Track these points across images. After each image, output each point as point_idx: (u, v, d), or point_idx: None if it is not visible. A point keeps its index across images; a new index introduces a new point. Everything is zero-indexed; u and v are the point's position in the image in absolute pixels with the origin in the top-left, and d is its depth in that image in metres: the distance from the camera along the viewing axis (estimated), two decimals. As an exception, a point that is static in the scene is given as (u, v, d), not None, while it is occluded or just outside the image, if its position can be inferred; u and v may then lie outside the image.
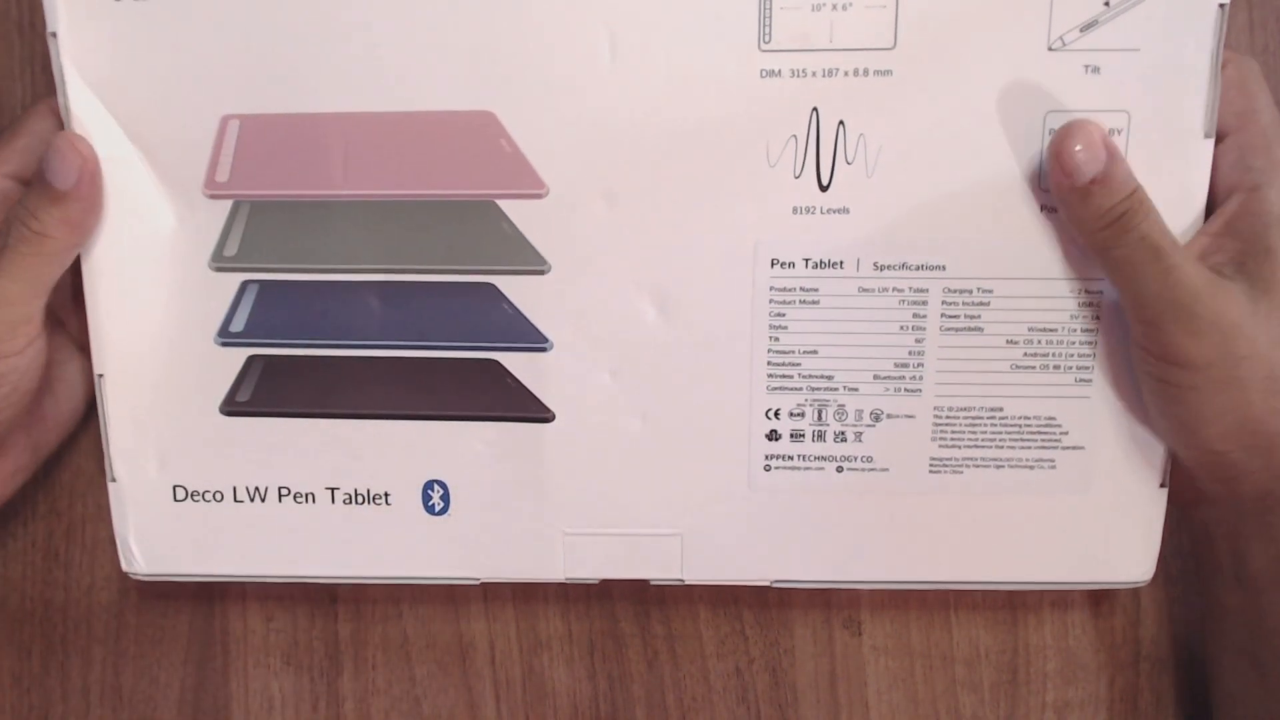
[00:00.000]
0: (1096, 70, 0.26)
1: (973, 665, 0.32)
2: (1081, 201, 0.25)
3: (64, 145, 0.26)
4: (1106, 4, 0.26)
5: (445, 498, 0.29)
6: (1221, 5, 0.26)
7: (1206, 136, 0.26)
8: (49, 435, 0.30)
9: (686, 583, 0.30)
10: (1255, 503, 0.27)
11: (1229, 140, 0.27)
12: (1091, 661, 0.32)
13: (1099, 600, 0.32)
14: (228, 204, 0.28)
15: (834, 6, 0.26)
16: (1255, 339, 0.25)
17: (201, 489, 0.30)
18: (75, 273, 0.28)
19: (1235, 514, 0.27)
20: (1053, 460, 0.29)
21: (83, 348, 0.30)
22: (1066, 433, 0.28)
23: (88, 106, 0.27)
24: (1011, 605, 0.32)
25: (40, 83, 0.32)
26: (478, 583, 0.30)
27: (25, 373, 0.28)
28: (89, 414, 0.31)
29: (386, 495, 0.29)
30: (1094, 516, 0.29)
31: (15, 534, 0.33)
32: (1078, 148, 0.25)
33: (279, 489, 0.30)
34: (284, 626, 0.33)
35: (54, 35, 0.27)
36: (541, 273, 0.28)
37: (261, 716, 0.33)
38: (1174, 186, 0.27)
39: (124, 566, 0.30)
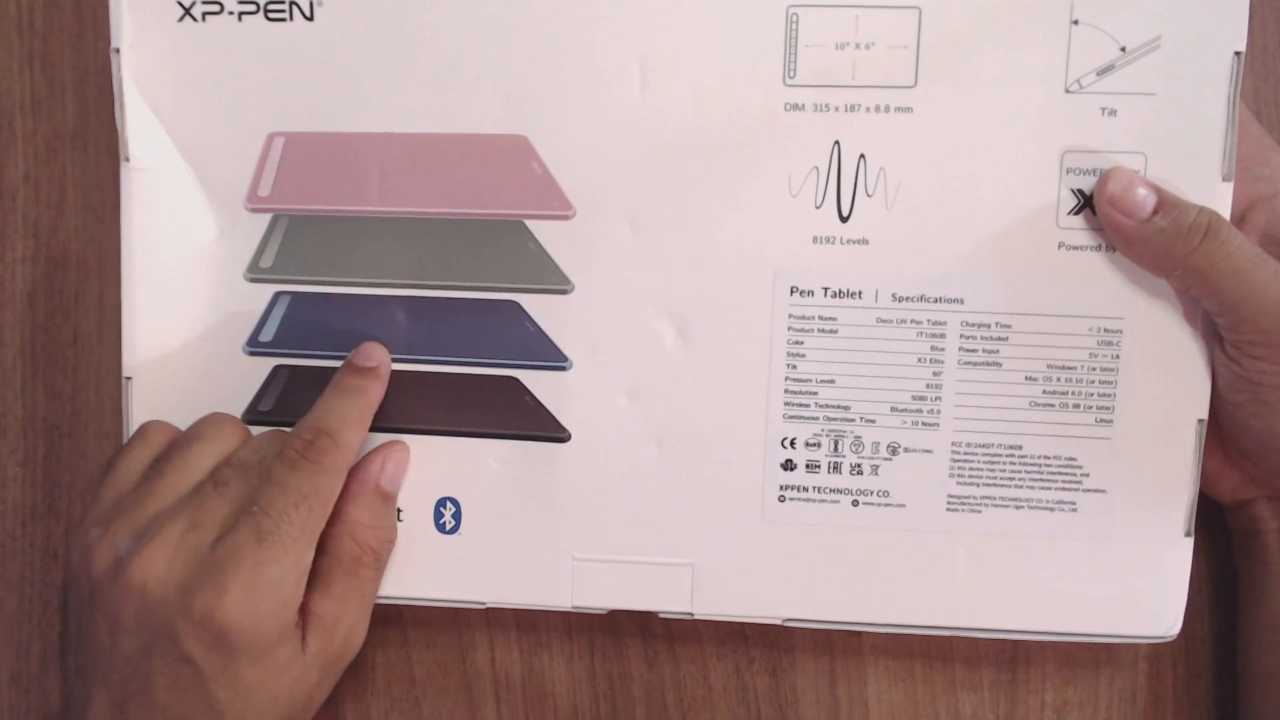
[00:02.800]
0: (1114, 113, 0.27)
1: (973, 665, 0.32)
2: (1158, 232, 0.26)
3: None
4: (1123, 49, 0.27)
5: (457, 516, 0.29)
6: (1237, 53, 0.26)
7: (1224, 180, 0.27)
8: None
9: (695, 617, 0.29)
10: None
11: None
12: (1091, 661, 0.31)
13: None
14: (267, 217, 0.29)
15: (857, 45, 0.27)
16: None
17: (217, 497, 0.30)
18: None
19: None
20: (1074, 503, 0.28)
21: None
22: (1088, 474, 0.28)
23: (143, 120, 0.29)
24: None
25: (40, 83, 0.32)
26: (484, 607, 0.29)
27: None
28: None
29: (399, 511, 0.29)
30: (1116, 564, 0.28)
31: (14, 534, 0.33)
32: (1126, 188, 0.26)
33: (293, 500, 0.30)
34: None
35: (117, 51, 0.28)
36: (565, 292, 0.28)
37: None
38: (1193, 228, 0.27)
39: (133, 573, 0.30)
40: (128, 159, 0.29)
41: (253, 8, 0.28)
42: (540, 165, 0.28)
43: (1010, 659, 0.32)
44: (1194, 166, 0.27)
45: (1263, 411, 0.26)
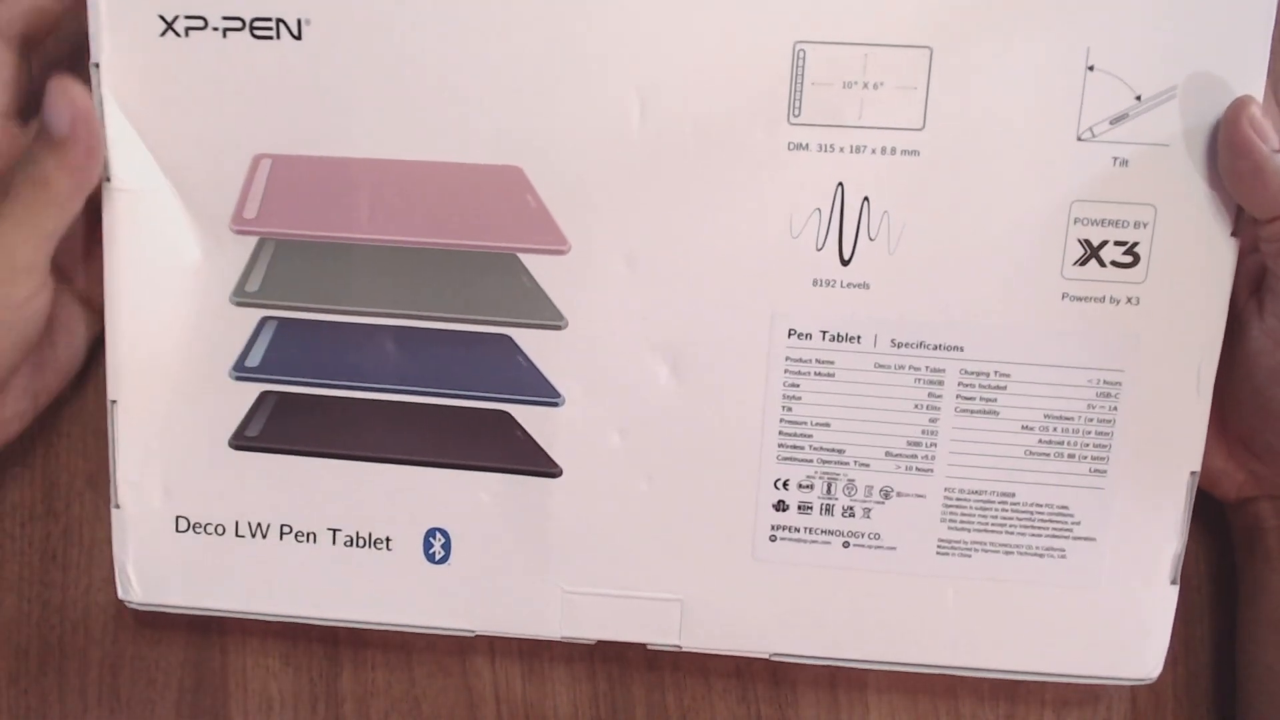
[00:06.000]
0: (1125, 163, 0.26)
1: None
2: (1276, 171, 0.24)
3: (56, 91, 0.26)
4: (1138, 98, 0.26)
5: (446, 546, 0.29)
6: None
7: (1233, 235, 0.26)
8: (49, 383, 0.30)
9: (684, 649, 0.29)
10: None
11: None
12: None
13: None
14: (253, 240, 0.28)
15: (865, 85, 0.26)
16: None
17: (204, 521, 0.30)
18: (85, 225, 0.28)
19: None
20: (1063, 550, 0.28)
21: (87, 301, 0.30)
22: (1079, 523, 0.28)
23: (125, 138, 0.28)
24: None
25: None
26: (473, 635, 0.30)
27: (28, 322, 0.27)
28: (89, 383, 0.32)
29: (388, 540, 0.29)
30: (1102, 610, 0.28)
31: (13, 534, 0.33)
32: (1263, 114, 0.25)
33: (281, 526, 0.29)
34: (283, 627, 0.33)
35: (96, 66, 0.27)
36: (558, 328, 0.28)
37: (260, 717, 0.33)
38: (1197, 283, 0.26)
39: (120, 594, 0.30)
40: (109, 179, 0.28)
41: (238, 24, 0.27)
42: (535, 198, 0.27)
43: None
44: (1204, 220, 0.26)
45: None
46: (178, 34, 0.27)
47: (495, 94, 0.27)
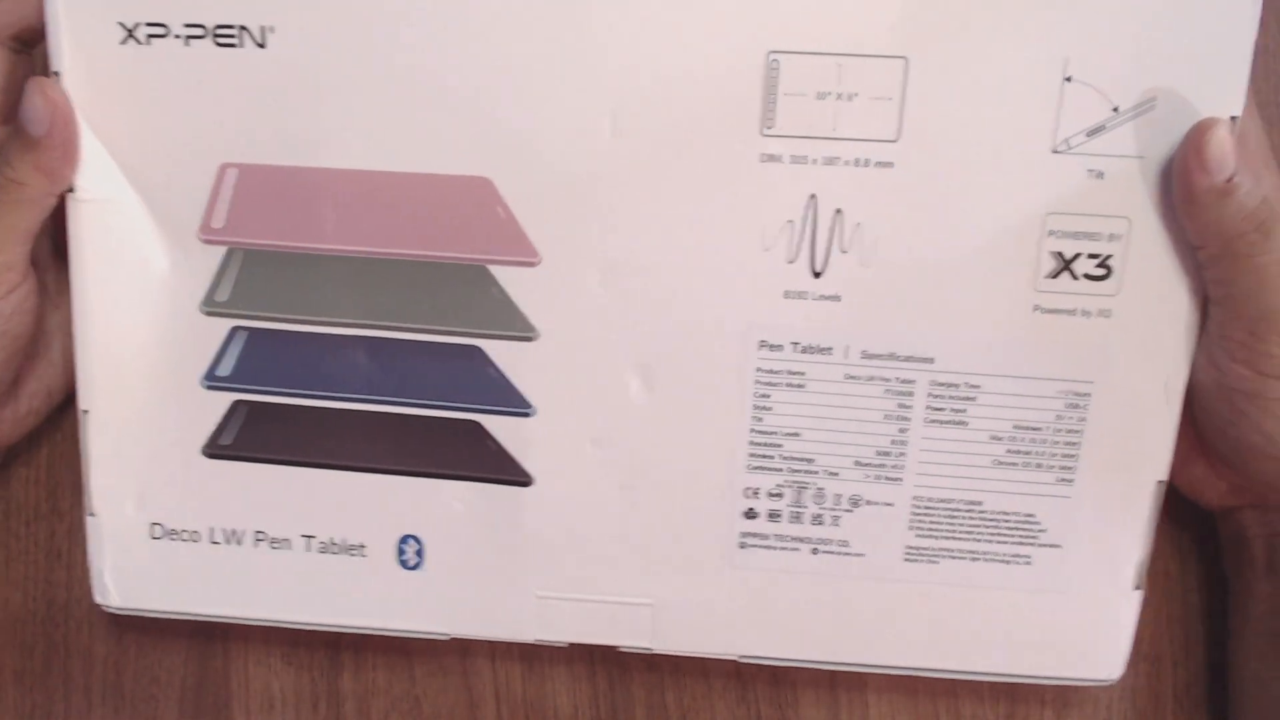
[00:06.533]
0: (1100, 175, 0.26)
1: None
2: (1220, 200, 0.24)
3: (34, 91, 0.26)
4: (1115, 110, 0.26)
5: (420, 553, 0.29)
6: (1234, 117, 0.25)
7: (1206, 248, 0.26)
8: (60, 379, 0.31)
9: (655, 652, 0.30)
10: None
11: None
12: None
13: None
14: (222, 250, 0.28)
15: (839, 96, 0.26)
16: None
17: (179, 528, 0.30)
18: (54, 228, 0.28)
19: None
20: (1029, 556, 0.28)
21: (59, 306, 0.30)
22: (1044, 530, 0.28)
23: (88, 146, 0.27)
24: None
25: None
26: (448, 638, 0.30)
27: (12, 318, 0.28)
28: None
29: (362, 546, 0.29)
30: (1066, 614, 0.29)
31: (18, 533, 0.34)
32: (1216, 143, 0.24)
33: (255, 533, 0.30)
34: (284, 627, 0.33)
35: (56, 74, 0.27)
36: (529, 339, 0.28)
37: (262, 716, 0.33)
38: (1169, 296, 0.26)
39: (96, 598, 0.30)
40: (73, 190, 0.27)
41: (200, 32, 0.26)
42: (505, 209, 0.27)
43: None
44: (1177, 234, 0.26)
45: (1238, 419, 0.26)
46: (139, 41, 0.27)
47: (465, 104, 0.26)
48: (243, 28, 0.26)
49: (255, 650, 0.33)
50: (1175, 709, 0.32)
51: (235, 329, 0.29)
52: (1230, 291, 0.25)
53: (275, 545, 0.30)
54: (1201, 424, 0.28)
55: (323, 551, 0.30)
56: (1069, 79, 0.25)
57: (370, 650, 0.33)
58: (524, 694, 0.33)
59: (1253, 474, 0.28)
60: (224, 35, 0.26)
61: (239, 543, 0.30)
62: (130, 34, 0.26)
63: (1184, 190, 0.25)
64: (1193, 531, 0.30)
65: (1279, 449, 0.26)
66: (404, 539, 0.29)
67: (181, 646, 0.33)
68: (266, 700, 0.33)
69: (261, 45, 0.26)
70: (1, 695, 0.34)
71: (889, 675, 0.32)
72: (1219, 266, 0.25)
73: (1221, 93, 0.25)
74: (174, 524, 0.30)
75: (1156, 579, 0.29)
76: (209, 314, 0.28)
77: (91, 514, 0.30)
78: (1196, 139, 0.25)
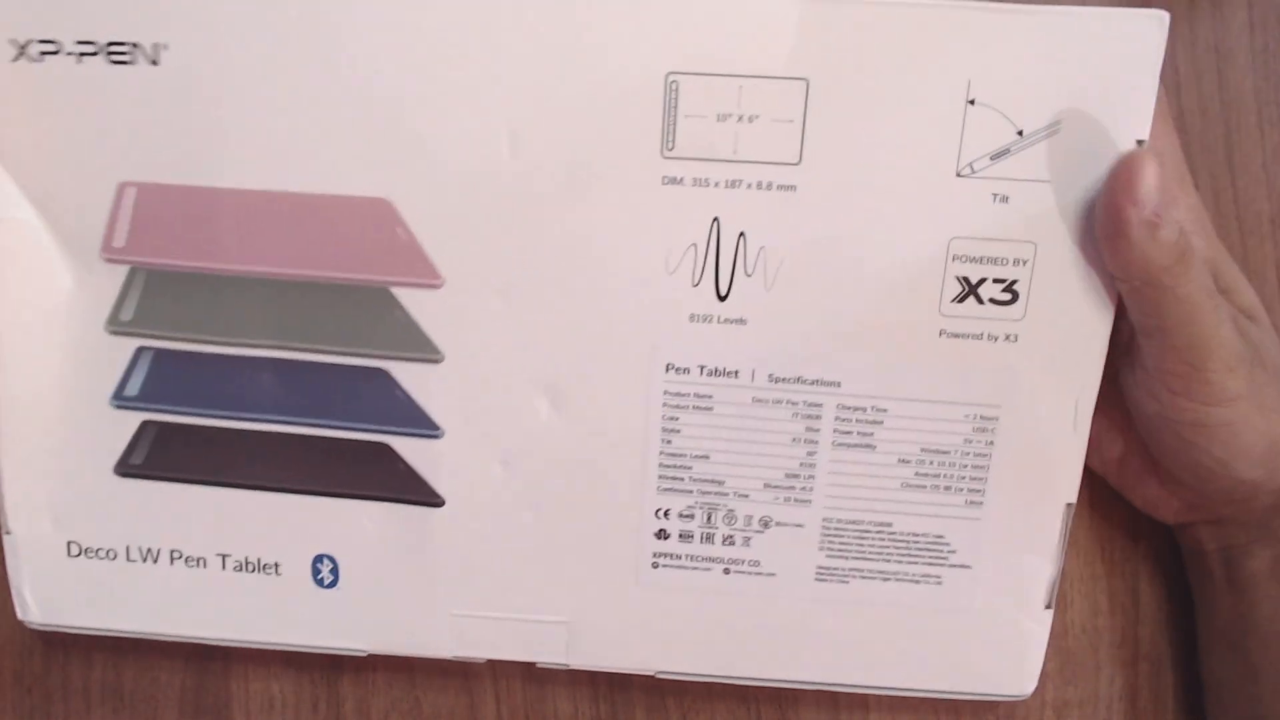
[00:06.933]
0: (1005, 199, 0.26)
1: None
2: (1150, 235, 0.24)
3: None
4: (1020, 133, 0.25)
5: (334, 571, 0.29)
6: (1139, 141, 0.25)
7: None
8: None
9: (571, 668, 0.30)
10: (1263, 514, 0.28)
11: None
12: (1091, 661, 0.32)
13: (1097, 600, 0.32)
14: (125, 268, 0.28)
15: (740, 118, 0.25)
16: (1261, 364, 0.26)
17: (95, 547, 0.30)
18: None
19: (1237, 527, 0.28)
20: (939, 577, 0.29)
21: None
22: (954, 551, 0.28)
23: (-17, 166, 0.27)
24: None
25: None
26: (365, 654, 0.30)
27: None
28: None
29: (276, 565, 0.30)
30: (978, 632, 0.29)
31: None
32: (1150, 176, 0.24)
33: (171, 552, 0.30)
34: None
35: (-53, 94, 0.26)
36: (435, 361, 0.28)
37: (262, 717, 0.34)
38: (1076, 320, 0.26)
39: (19, 614, 0.30)
40: (-31, 211, 0.27)
41: (92, 49, 0.26)
42: (405, 231, 0.27)
43: None
44: (1084, 258, 0.26)
45: (1184, 448, 0.26)
46: (31, 59, 0.26)
47: (360, 126, 0.26)
48: (135, 45, 0.26)
49: (254, 652, 0.33)
50: (1176, 709, 0.32)
51: (141, 349, 0.28)
52: (1160, 324, 0.25)
53: (191, 564, 0.30)
54: (1152, 449, 0.28)
55: (238, 570, 0.30)
56: (972, 102, 0.25)
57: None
58: (524, 694, 0.33)
59: (1207, 493, 0.28)
60: (117, 52, 0.26)
61: (155, 561, 0.30)
62: (22, 51, 0.26)
63: (1112, 224, 0.24)
64: (1187, 546, 0.30)
65: (1231, 470, 0.26)
66: (318, 558, 0.29)
67: (181, 648, 0.33)
68: (266, 701, 0.33)
69: (155, 62, 0.26)
70: (0, 697, 0.34)
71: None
72: (1145, 299, 0.25)
73: (1129, 116, 0.25)
74: (91, 542, 0.30)
75: (1156, 579, 0.29)
76: (114, 333, 0.28)
77: (8, 532, 0.30)
78: (1128, 172, 0.24)
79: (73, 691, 0.34)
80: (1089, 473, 0.29)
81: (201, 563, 0.30)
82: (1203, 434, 0.26)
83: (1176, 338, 0.25)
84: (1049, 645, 0.31)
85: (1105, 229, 0.25)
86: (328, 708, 0.33)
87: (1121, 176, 0.24)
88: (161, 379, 0.29)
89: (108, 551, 0.30)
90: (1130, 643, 0.32)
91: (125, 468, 0.29)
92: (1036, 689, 0.31)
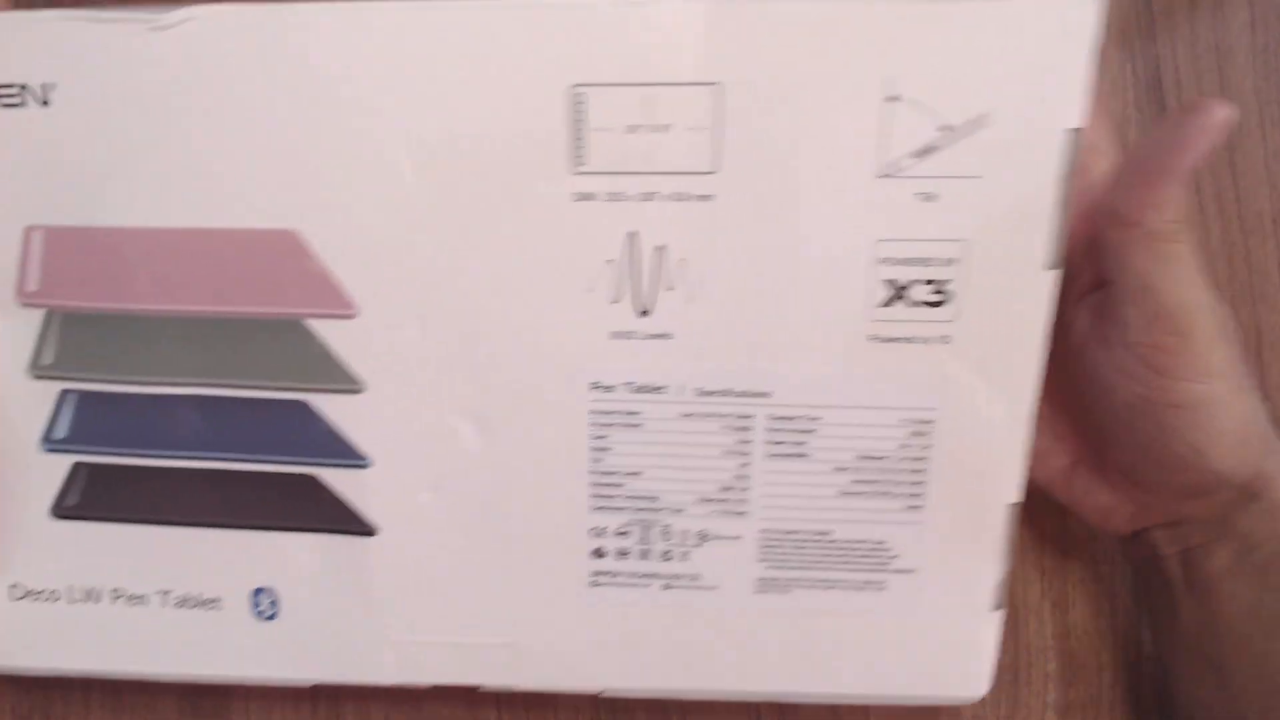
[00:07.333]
0: (932, 198, 0.25)
1: None
2: (1185, 184, 0.24)
3: None
4: (945, 129, 0.24)
5: (274, 604, 0.29)
6: (1071, 130, 0.24)
7: (1048, 268, 0.25)
8: None
9: (517, 690, 0.30)
10: (1223, 509, 0.27)
11: (1078, 181, 0.26)
12: (1092, 661, 0.32)
13: (1099, 601, 0.32)
14: (42, 312, 0.27)
15: (651, 128, 0.24)
16: (1230, 343, 0.25)
17: (37, 589, 0.30)
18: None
19: (1196, 527, 0.28)
20: (883, 582, 0.28)
21: None
22: (896, 556, 0.28)
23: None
24: (1012, 605, 0.32)
25: None
26: (310, 685, 0.30)
27: None
28: None
29: (217, 600, 0.29)
30: (924, 636, 0.28)
31: None
32: (1214, 129, 0.23)
33: (112, 591, 0.30)
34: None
35: None
36: (355, 391, 0.27)
37: (262, 716, 0.34)
38: (1011, 319, 0.25)
39: (-34, 657, 0.31)
40: (-122, 261, 0.27)
41: None
42: (315, 261, 0.26)
43: (1012, 660, 0.32)
44: (1017, 254, 0.25)
45: (1160, 435, 0.26)
46: (-79, 106, 0.25)
47: (260, 158, 0.25)
48: (23, 86, 0.25)
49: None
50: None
51: (65, 391, 0.28)
52: (1156, 282, 0.24)
53: (133, 602, 0.30)
54: (1119, 445, 0.27)
55: (179, 606, 0.29)
56: (891, 98, 0.24)
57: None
58: (525, 695, 0.32)
59: (1173, 489, 0.27)
60: (6, 95, 0.25)
61: (98, 600, 0.30)
62: (-90, 98, 0.25)
63: (1166, 162, 0.24)
64: (1141, 553, 0.30)
65: (1204, 458, 0.26)
66: (258, 591, 0.29)
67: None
68: (266, 701, 0.33)
69: (45, 103, 0.25)
70: (0, 697, 0.34)
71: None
72: (1149, 252, 0.24)
73: (1062, 103, 0.24)
74: (32, 584, 0.30)
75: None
76: (38, 377, 0.28)
77: (-53, 578, 0.30)
78: (1206, 116, 0.23)
79: (72, 691, 0.34)
80: None
81: (143, 600, 0.30)
82: (1182, 416, 0.25)
83: (1169, 298, 0.24)
84: (1051, 646, 0.31)
85: (1155, 164, 0.24)
86: (328, 708, 0.33)
87: (1197, 120, 0.23)
88: (89, 420, 0.28)
89: (50, 593, 0.30)
90: (1131, 643, 0.32)
91: (61, 510, 0.29)
92: (1038, 689, 0.31)
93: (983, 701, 0.31)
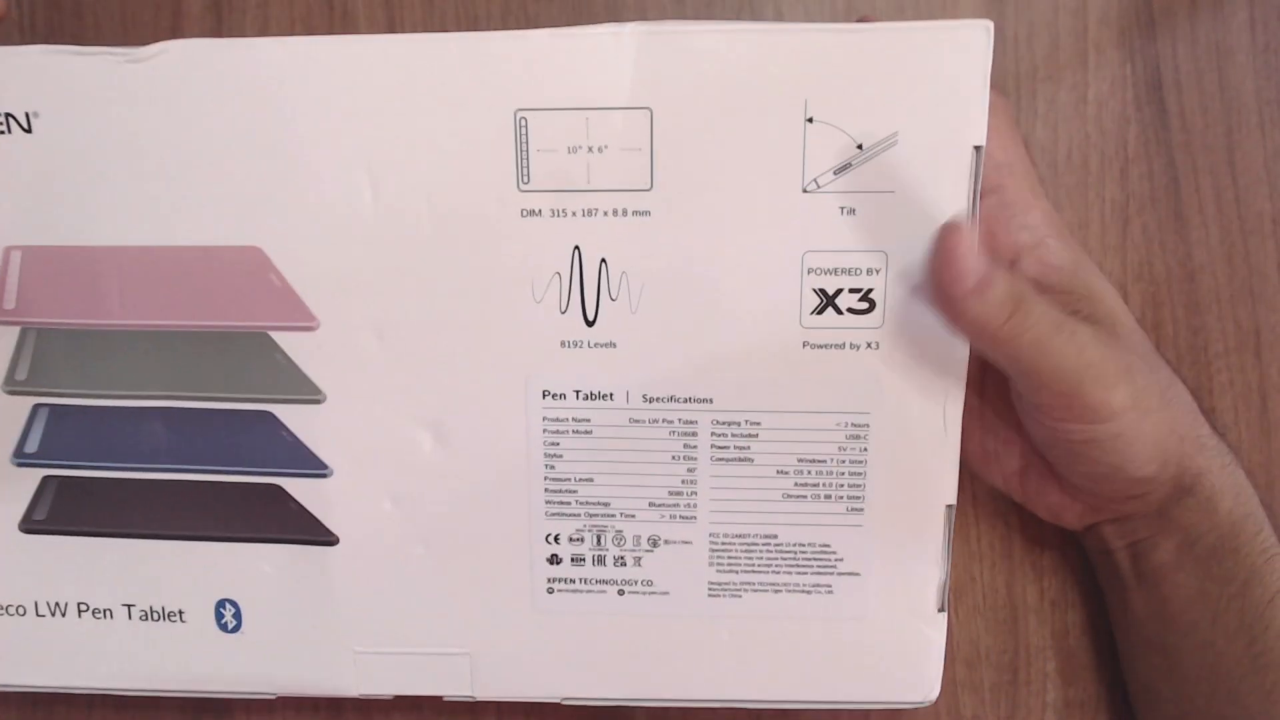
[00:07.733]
0: (852, 211, 0.26)
1: (973, 665, 0.32)
2: (980, 298, 0.24)
3: None
4: (860, 147, 0.26)
5: (238, 616, 0.30)
6: (976, 147, 0.26)
7: (967, 276, 0.27)
8: None
9: (478, 699, 0.30)
10: (1160, 504, 0.28)
11: (993, 199, 0.27)
12: (1091, 661, 0.32)
13: (1099, 601, 0.32)
14: (17, 330, 0.29)
15: (590, 149, 0.26)
16: (1137, 368, 0.26)
17: (3, 604, 0.30)
18: None
19: (1139, 522, 0.29)
20: (830, 585, 0.29)
21: None
22: (841, 559, 0.29)
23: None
24: (1011, 605, 0.32)
25: None
26: (273, 697, 0.30)
27: None
28: None
29: (181, 613, 0.30)
30: (873, 639, 0.29)
31: None
32: (965, 250, 0.25)
33: (78, 605, 0.30)
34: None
35: None
36: (317, 402, 0.28)
37: (263, 716, 0.34)
38: (935, 326, 0.27)
39: (-67, 674, 0.31)
40: None
41: None
42: (279, 277, 0.27)
43: (1011, 660, 0.32)
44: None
45: (1077, 460, 0.27)
46: (-89, 137, 0.27)
47: (227, 179, 0.27)
48: (8, 115, 0.27)
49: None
50: None
51: (37, 406, 0.29)
52: (1020, 368, 0.25)
53: (98, 616, 0.30)
54: (1049, 461, 0.28)
55: (144, 619, 0.30)
56: (811, 120, 0.26)
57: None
58: (526, 715, 0.32)
59: (1106, 494, 0.28)
60: (-8, 125, 0.27)
61: (64, 615, 0.30)
62: (-99, 131, 0.27)
63: (944, 300, 0.25)
64: (1089, 549, 0.30)
65: (1125, 472, 0.27)
66: (221, 603, 0.30)
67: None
68: (267, 701, 0.33)
69: (28, 130, 0.27)
70: (3, 696, 0.34)
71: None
72: (996, 352, 0.25)
73: (964, 123, 0.26)
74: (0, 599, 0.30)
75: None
76: (11, 393, 0.29)
77: (-83, 593, 0.30)
78: (946, 250, 0.25)
79: (74, 691, 0.33)
80: None
81: (108, 614, 0.30)
82: (1094, 448, 0.26)
83: (1040, 375, 0.25)
84: (1050, 646, 0.31)
85: (937, 302, 0.26)
86: (329, 708, 0.33)
87: (941, 255, 0.25)
88: (59, 435, 0.29)
89: (16, 608, 0.30)
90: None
91: (30, 524, 0.30)
92: (1038, 689, 0.31)
93: (982, 701, 0.32)
